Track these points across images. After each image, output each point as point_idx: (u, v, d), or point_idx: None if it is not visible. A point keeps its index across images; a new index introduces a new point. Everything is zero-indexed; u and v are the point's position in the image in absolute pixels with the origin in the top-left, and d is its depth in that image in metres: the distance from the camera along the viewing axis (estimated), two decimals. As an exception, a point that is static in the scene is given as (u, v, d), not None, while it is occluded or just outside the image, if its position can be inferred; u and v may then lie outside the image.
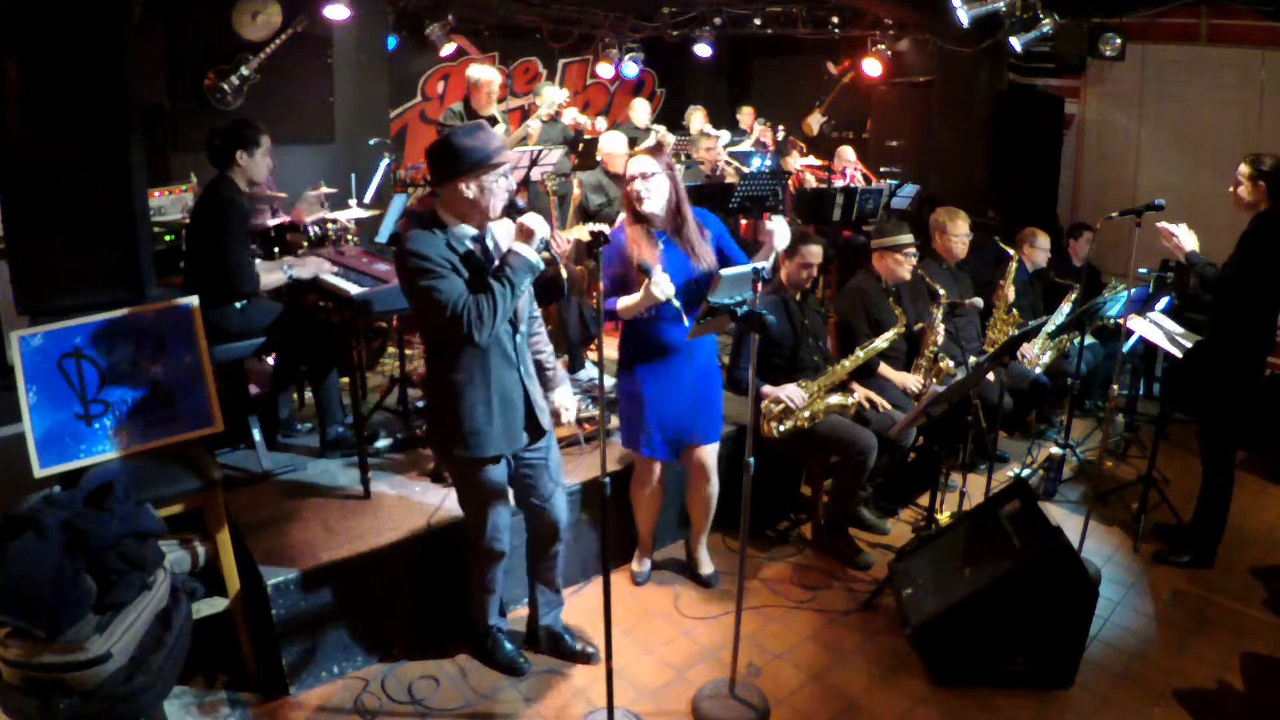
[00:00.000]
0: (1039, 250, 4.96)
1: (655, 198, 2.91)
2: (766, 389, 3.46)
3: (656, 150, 2.96)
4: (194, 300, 2.91)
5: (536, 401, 2.63)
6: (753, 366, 2.53)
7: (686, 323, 2.75)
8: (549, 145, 5.18)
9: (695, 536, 3.44)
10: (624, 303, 2.91)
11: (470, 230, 2.43)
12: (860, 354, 3.62)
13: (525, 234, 2.41)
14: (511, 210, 2.47)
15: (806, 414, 3.46)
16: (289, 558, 2.78)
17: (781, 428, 3.44)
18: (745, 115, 8.09)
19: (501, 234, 2.55)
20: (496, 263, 2.43)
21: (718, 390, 3.18)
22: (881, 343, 3.67)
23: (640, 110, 7.09)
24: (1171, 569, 3.57)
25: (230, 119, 3.80)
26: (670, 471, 3.38)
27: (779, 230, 2.87)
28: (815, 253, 3.64)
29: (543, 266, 2.45)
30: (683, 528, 3.74)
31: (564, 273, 4.28)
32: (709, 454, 3.19)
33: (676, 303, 2.74)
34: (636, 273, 2.83)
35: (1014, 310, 4.58)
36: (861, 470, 3.47)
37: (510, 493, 2.71)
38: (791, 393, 3.42)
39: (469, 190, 2.35)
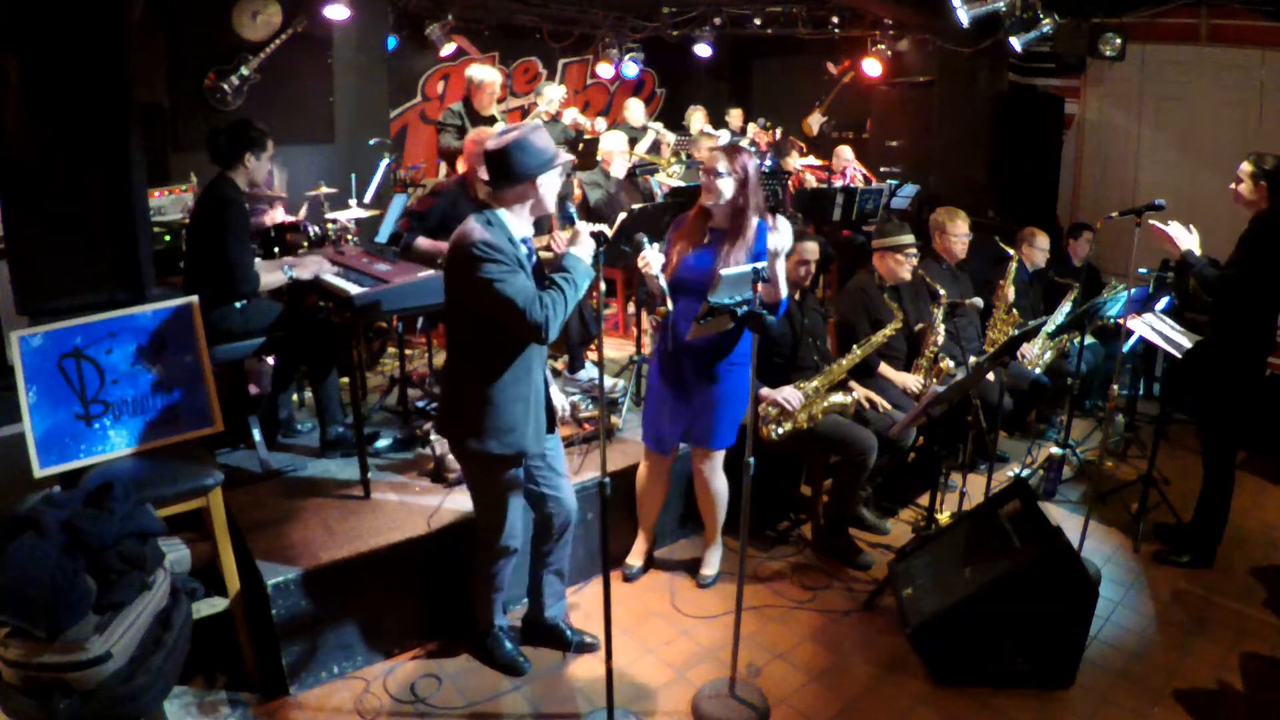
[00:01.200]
0: (1038, 250, 4.96)
1: (717, 196, 2.94)
2: (764, 392, 3.46)
3: (733, 152, 2.96)
4: (194, 300, 2.91)
5: (550, 397, 2.68)
6: (753, 367, 2.53)
7: (669, 306, 2.85)
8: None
9: (705, 537, 3.46)
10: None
11: (520, 233, 2.48)
12: (857, 351, 3.62)
13: (578, 240, 2.47)
14: (563, 214, 2.52)
15: (804, 415, 3.46)
16: (289, 558, 2.78)
17: (779, 430, 3.44)
18: (735, 117, 8.08)
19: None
20: (550, 268, 2.50)
21: (729, 396, 3.09)
22: (878, 338, 3.67)
23: (635, 110, 7.10)
24: (1171, 569, 3.57)
25: (230, 119, 3.80)
26: (674, 470, 3.38)
27: (782, 230, 2.93)
28: (811, 249, 3.63)
29: (594, 273, 2.48)
30: (684, 527, 3.74)
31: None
32: (704, 459, 3.20)
33: (663, 281, 2.81)
34: (670, 253, 2.96)
35: (1014, 310, 4.58)
36: (862, 470, 3.47)
37: (524, 490, 2.72)
38: (788, 395, 3.42)
39: (540, 189, 2.44)
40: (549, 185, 2.46)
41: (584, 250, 2.47)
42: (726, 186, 2.92)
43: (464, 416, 2.54)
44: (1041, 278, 5.08)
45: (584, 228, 2.50)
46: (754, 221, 2.96)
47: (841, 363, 3.59)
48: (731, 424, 3.14)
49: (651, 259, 2.80)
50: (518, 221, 2.46)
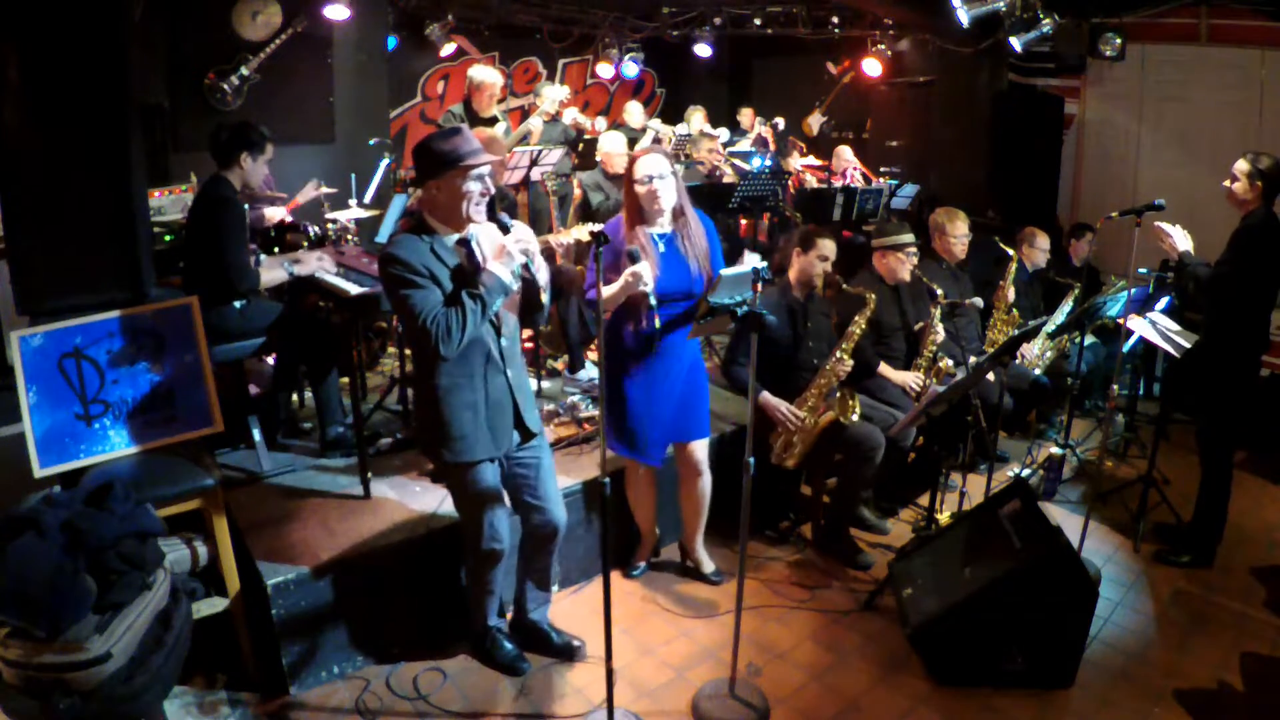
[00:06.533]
0: (1038, 250, 4.96)
1: (668, 198, 2.90)
2: (765, 397, 3.45)
3: (658, 148, 2.96)
4: (194, 300, 2.91)
5: (525, 403, 2.62)
6: (752, 368, 2.52)
7: (658, 323, 2.78)
8: (549, 145, 5.19)
9: (690, 536, 3.43)
10: (605, 292, 2.85)
11: (454, 235, 2.45)
12: (844, 347, 3.51)
13: (502, 254, 2.40)
14: (497, 223, 2.45)
15: (812, 421, 3.45)
16: (289, 558, 2.78)
17: (789, 461, 3.47)
18: (745, 116, 8.10)
19: (485, 239, 2.51)
20: (478, 273, 2.43)
21: (704, 387, 3.17)
22: (855, 330, 3.53)
23: (634, 112, 7.11)
24: (1171, 569, 3.57)
25: (231, 119, 3.80)
26: (665, 471, 3.37)
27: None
28: (829, 247, 3.58)
29: (515, 288, 2.45)
30: (682, 527, 3.74)
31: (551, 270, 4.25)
32: (698, 449, 3.19)
33: (653, 299, 2.76)
34: (624, 262, 2.81)
35: (1014, 310, 4.58)
36: (869, 467, 3.46)
37: (504, 494, 2.70)
38: (787, 414, 3.42)
39: (440, 193, 2.39)
40: (458, 189, 2.36)
41: (501, 268, 2.38)
42: (672, 184, 2.90)
43: (422, 424, 2.60)
44: (1041, 277, 5.08)
45: (514, 241, 2.39)
46: (691, 209, 2.97)
47: (829, 367, 3.50)
48: (708, 411, 3.21)
49: (646, 274, 2.74)
50: (444, 225, 2.44)
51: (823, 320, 3.75)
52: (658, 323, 2.82)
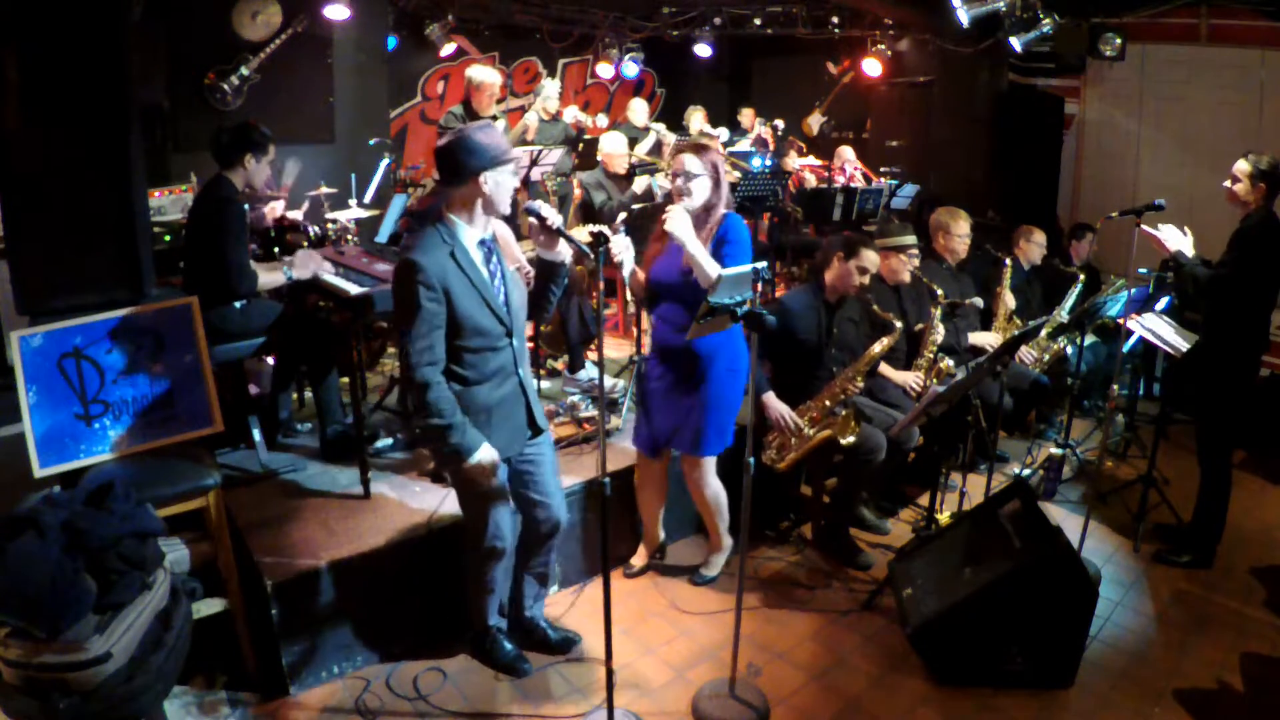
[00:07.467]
0: (1034, 246, 4.94)
1: (692, 198, 2.90)
2: (769, 399, 3.44)
3: (703, 151, 2.92)
4: (194, 300, 2.91)
5: (534, 400, 2.64)
6: (753, 367, 2.53)
7: (630, 306, 2.77)
8: (549, 145, 5.18)
9: (710, 542, 3.47)
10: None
11: (475, 235, 2.45)
12: (859, 366, 3.53)
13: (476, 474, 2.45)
14: (533, 214, 2.46)
15: (810, 433, 3.44)
16: (289, 558, 2.78)
17: (780, 465, 3.46)
18: (746, 116, 8.11)
19: (503, 240, 2.55)
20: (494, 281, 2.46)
21: (716, 401, 3.03)
22: (877, 351, 3.56)
23: (638, 110, 7.09)
24: (1171, 569, 3.57)
25: (231, 119, 3.79)
26: (674, 470, 3.37)
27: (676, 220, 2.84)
28: (872, 259, 3.53)
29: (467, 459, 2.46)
30: (685, 527, 3.74)
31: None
32: (693, 466, 3.15)
33: (627, 269, 2.83)
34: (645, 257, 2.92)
35: (1015, 319, 4.57)
36: (868, 469, 3.46)
37: (509, 493, 2.70)
38: (788, 421, 3.41)
39: (488, 185, 2.38)
40: (500, 182, 2.39)
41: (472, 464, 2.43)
42: (703, 185, 2.90)
43: None
44: (1040, 274, 5.06)
45: (550, 211, 2.45)
46: (721, 214, 2.95)
47: (838, 383, 3.50)
48: (720, 430, 3.07)
49: (622, 251, 2.74)
50: (469, 225, 2.43)
51: (849, 326, 3.71)
52: (631, 306, 2.84)
